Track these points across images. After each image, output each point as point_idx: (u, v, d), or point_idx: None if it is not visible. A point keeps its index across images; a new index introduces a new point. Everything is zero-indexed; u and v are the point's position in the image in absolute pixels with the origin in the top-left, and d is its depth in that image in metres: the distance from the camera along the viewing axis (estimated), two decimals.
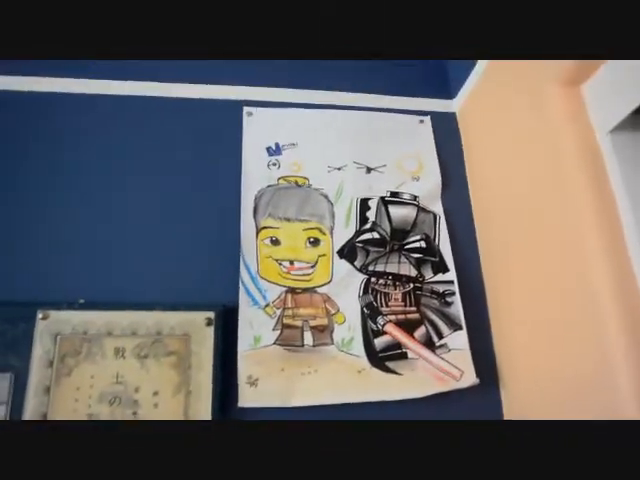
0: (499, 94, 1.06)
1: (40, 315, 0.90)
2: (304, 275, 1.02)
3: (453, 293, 1.05)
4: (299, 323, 0.98)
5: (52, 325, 0.90)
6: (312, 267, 1.03)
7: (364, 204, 1.10)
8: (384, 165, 1.15)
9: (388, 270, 1.05)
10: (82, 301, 0.92)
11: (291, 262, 1.03)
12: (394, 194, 1.12)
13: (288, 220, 1.05)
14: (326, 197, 1.09)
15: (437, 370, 0.97)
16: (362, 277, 1.04)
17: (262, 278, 1.00)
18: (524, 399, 0.97)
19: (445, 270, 1.07)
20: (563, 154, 0.85)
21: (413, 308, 1.03)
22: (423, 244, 1.08)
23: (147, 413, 0.87)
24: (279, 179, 1.10)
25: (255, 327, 0.96)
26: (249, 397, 0.91)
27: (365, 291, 1.03)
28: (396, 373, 0.97)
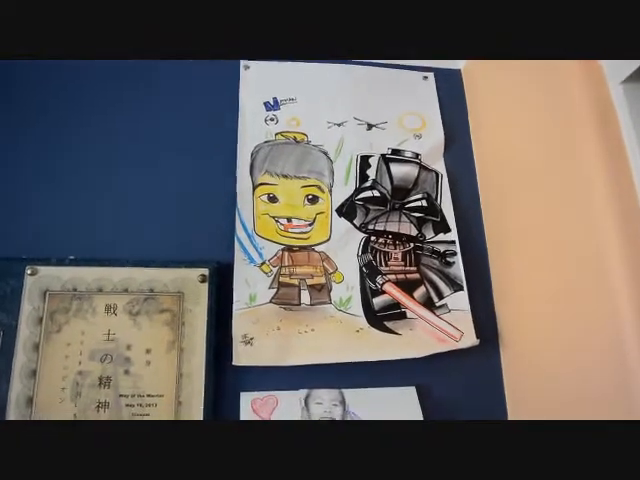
0: None
1: (29, 271, 0.87)
2: (302, 233, 0.99)
3: (454, 253, 1.02)
4: (296, 281, 0.96)
5: (41, 281, 0.87)
6: (310, 225, 1.00)
7: (364, 161, 1.06)
8: (385, 122, 1.11)
9: (388, 229, 1.02)
10: (72, 257, 0.90)
11: (289, 219, 1.00)
12: (395, 151, 1.08)
13: (286, 177, 1.02)
14: (325, 154, 1.05)
15: (436, 330, 0.95)
16: (361, 236, 1.01)
17: (258, 235, 0.97)
18: (524, 361, 0.95)
19: (446, 230, 1.04)
20: (574, 106, 0.82)
21: (413, 268, 1.00)
22: (424, 203, 1.05)
23: (139, 370, 0.84)
24: (277, 135, 1.06)
25: (251, 285, 0.93)
26: (244, 356, 0.88)
27: (364, 250, 1.00)
28: (395, 333, 0.94)
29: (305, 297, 0.95)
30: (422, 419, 0.87)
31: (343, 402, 0.88)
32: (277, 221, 0.99)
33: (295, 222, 1.00)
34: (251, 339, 0.90)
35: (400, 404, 0.90)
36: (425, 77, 1.17)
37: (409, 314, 0.96)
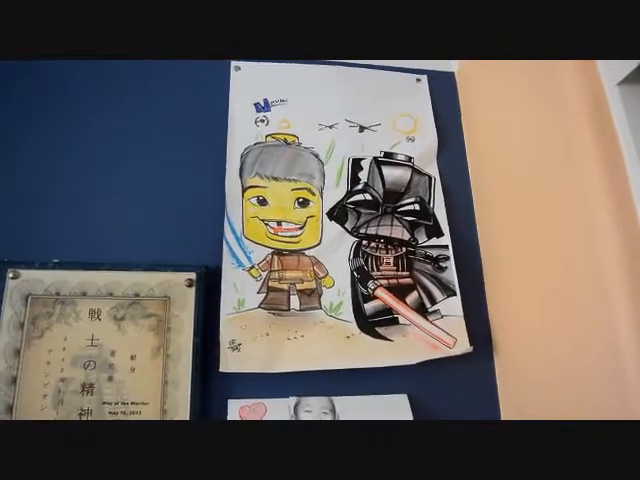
0: None
1: (10, 274, 0.84)
2: (292, 237, 0.97)
3: (447, 258, 1.00)
4: (285, 286, 0.93)
5: (23, 285, 0.84)
6: (300, 228, 0.98)
7: (356, 164, 1.04)
8: (378, 124, 1.09)
9: (380, 233, 1.00)
10: (56, 260, 0.87)
11: (278, 223, 0.98)
12: (388, 154, 1.07)
13: (276, 179, 1.00)
14: (316, 156, 1.03)
15: (429, 337, 0.93)
16: (353, 240, 0.99)
17: (247, 239, 0.95)
18: (518, 368, 0.93)
19: (439, 234, 1.02)
20: (570, 109, 0.81)
21: (405, 273, 0.98)
22: (417, 207, 1.03)
23: (123, 377, 0.82)
24: (267, 136, 1.04)
25: (239, 290, 0.91)
26: (231, 362, 0.86)
27: (355, 254, 0.98)
28: (386, 339, 0.92)
29: (295, 302, 0.93)
30: None
31: (333, 410, 0.86)
32: (267, 224, 0.97)
33: (285, 225, 0.98)
34: (239, 345, 0.88)
35: (392, 412, 0.87)
36: (418, 79, 1.16)
37: (401, 320, 0.94)
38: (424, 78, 1.16)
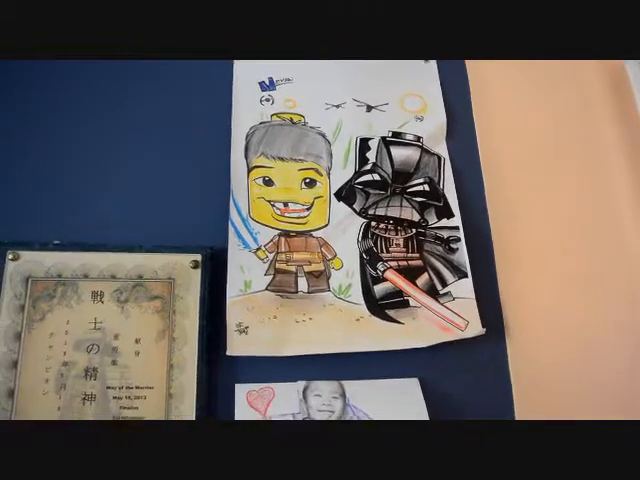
0: None
1: (10, 256, 0.82)
2: (299, 218, 0.95)
3: (458, 239, 0.98)
4: (293, 268, 0.91)
5: (23, 267, 0.82)
6: (308, 209, 0.95)
7: (364, 144, 1.02)
8: (386, 103, 1.06)
9: (389, 214, 0.98)
10: (57, 242, 0.85)
11: (285, 204, 0.95)
12: (396, 134, 1.04)
13: (282, 159, 0.97)
14: (323, 136, 1.01)
15: (441, 319, 0.91)
16: (361, 221, 0.96)
17: (253, 220, 0.93)
18: (531, 350, 0.91)
19: (450, 215, 1.00)
20: (587, 84, 0.79)
21: (415, 254, 0.96)
22: (427, 187, 1.01)
23: (128, 361, 0.80)
24: (273, 116, 1.01)
25: (245, 271, 0.89)
26: (238, 345, 0.84)
27: (364, 236, 0.96)
28: (397, 322, 0.90)
29: (302, 284, 0.90)
30: (425, 411, 0.83)
31: (343, 394, 0.84)
32: (273, 205, 0.95)
33: (292, 206, 0.95)
34: (246, 328, 0.85)
35: (403, 396, 0.86)
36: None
37: (412, 302, 0.92)
38: None
